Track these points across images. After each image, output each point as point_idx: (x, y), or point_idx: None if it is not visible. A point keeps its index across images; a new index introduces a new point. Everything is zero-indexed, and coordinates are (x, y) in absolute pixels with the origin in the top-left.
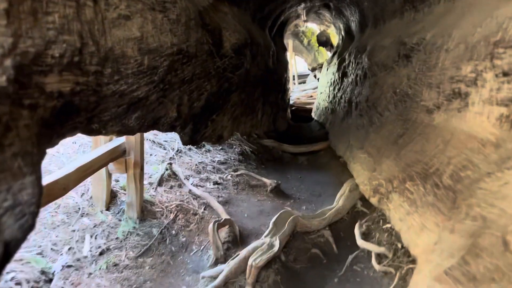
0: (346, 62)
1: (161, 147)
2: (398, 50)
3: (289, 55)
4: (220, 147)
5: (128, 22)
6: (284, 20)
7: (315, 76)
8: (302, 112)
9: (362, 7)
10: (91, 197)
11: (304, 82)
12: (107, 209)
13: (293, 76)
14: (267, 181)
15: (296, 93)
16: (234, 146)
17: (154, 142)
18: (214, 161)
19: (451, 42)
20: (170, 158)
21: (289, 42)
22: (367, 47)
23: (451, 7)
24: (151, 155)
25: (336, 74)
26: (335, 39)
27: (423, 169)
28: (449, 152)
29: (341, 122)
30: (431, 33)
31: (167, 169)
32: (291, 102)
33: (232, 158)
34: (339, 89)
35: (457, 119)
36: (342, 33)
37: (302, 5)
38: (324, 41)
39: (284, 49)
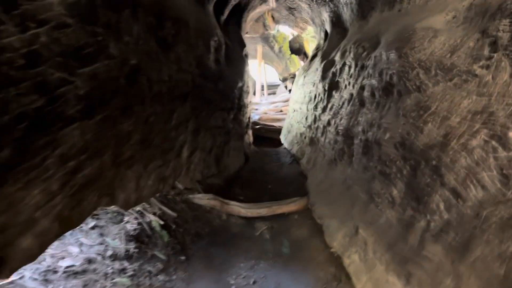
0: (338, 67)
1: None
2: (488, 31)
3: (258, 62)
4: (93, 223)
5: None
6: (242, 2)
7: (286, 87)
8: (270, 133)
9: None
10: None
11: (274, 93)
12: None
13: (262, 86)
14: None
15: (264, 106)
16: (127, 217)
17: None
18: (56, 271)
19: None
20: None
21: (258, 48)
22: (382, 37)
23: None
24: None
25: (320, 86)
26: (310, 45)
27: None
28: None
29: (329, 167)
30: None
31: None
32: (256, 117)
33: (110, 252)
34: (323, 109)
35: None
36: (327, 26)
37: None
38: (297, 49)
39: (241, 44)
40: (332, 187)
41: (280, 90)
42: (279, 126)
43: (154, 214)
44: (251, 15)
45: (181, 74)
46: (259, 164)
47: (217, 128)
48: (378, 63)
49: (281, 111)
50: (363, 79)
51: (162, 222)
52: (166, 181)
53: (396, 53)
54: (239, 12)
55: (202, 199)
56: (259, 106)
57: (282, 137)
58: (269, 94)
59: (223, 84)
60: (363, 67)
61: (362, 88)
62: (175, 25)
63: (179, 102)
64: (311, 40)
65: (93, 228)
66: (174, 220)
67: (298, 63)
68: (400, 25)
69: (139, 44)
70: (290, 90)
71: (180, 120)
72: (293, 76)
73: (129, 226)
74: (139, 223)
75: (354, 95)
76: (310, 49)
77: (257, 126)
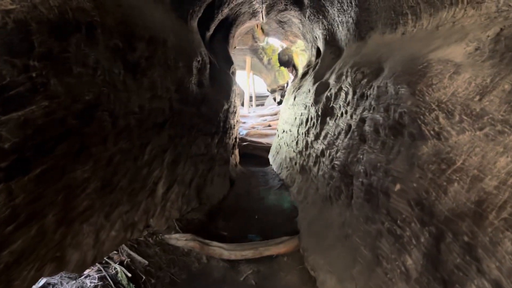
0: (332, 91)
1: None
2: None
3: (247, 73)
4: (43, 281)
5: None
6: (230, 17)
7: (274, 99)
8: (257, 150)
9: None
10: None
11: (262, 105)
12: None
13: (250, 97)
14: None
15: (252, 119)
16: (87, 270)
17: None
18: None
19: None
20: None
21: (247, 59)
22: (386, 64)
23: None
24: None
25: (312, 110)
26: (299, 58)
27: None
28: None
29: (323, 205)
30: None
31: None
32: (243, 132)
33: None
34: (316, 136)
35: None
36: (319, 44)
37: None
38: (286, 61)
39: (228, 61)
40: (327, 230)
41: (269, 102)
42: (267, 143)
43: (121, 263)
44: (240, 30)
45: (156, 102)
46: (246, 188)
47: (199, 156)
48: (382, 95)
49: (269, 125)
50: (363, 111)
51: (129, 274)
52: (135, 227)
53: (408, 89)
54: (227, 27)
55: (180, 239)
56: (247, 119)
57: (270, 157)
58: (257, 105)
59: (206, 108)
60: (363, 96)
61: (362, 120)
62: (149, 46)
63: (154, 132)
64: (300, 53)
65: (44, 287)
66: (145, 268)
67: (287, 75)
68: (406, 52)
69: (97, 75)
70: (278, 102)
71: (154, 153)
72: (282, 88)
73: (88, 282)
74: (101, 277)
75: (353, 127)
76: (299, 62)
77: (244, 143)
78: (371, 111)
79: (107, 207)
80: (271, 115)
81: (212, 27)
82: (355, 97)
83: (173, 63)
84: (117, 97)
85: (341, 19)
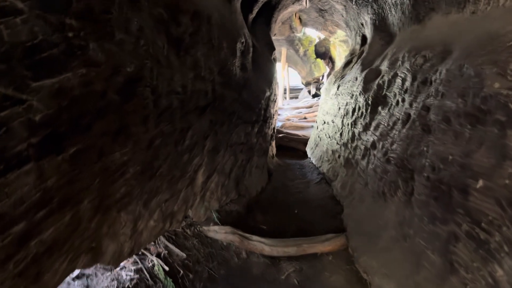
0: (385, 78)
1: None
2: None
3: (282, 65)
4: (78, 270)
5: None
6: (274, 0)
7: (309, 92)
8: (293, 142)
9: None
10: None
11: (296, 98)
12: None
13: (284, 90)
14: None
15: (287, 111)
16: (124, 262)
17: None
18: None
19: None
20: None
21: (282, 50)
22: (455, 46)
23: None
24: None
25: (360, 99)
26: (337, 50)
27: None
28: None
29: (374, 201)
30: None
31: None
32: (278, 124)
33: None
34: (365, 127)
35: None
36: (366, 30)
37: None
38: (322, 53)
39: (270, 47)
40: (380, 230)
41: (302, 95)
42: (303, 135)
43: (158, 255)
44: (282, 15)
45: (199, 83)
46: (283, 181)
47: (239, 145)
48: (454, 79)
49: (305, 118)
50: (426, 98)
51: (167, 268)
52: (174, 217)
53: (495, 69)
54: (269, 11)
55: (219, 232)
56: (282, 112)
57: (308, 150)
58: (291, 98)
59: (248, 94)
60: (425, 82)
61: (425, 108)
62: (194, 21)
63: (195, 117)
64: (339, 44)
65: (77, 277)
66: (183, 261)
67: (323, 67)
68: (482, 31)
69: (140, 45)
70: (313, 96)
71: (195, 139)
72: (317, 81)
73: (124, 274)
74: (137, 270)
75: (413, 116)
76: (336, 53)
77: (280, 135)
78: (438, 98)
79: (146, 194)
80: (306, 107)
81: (255, 10)
82: (415, 83)
83: (217, 42)
84: (160, 73)
85: (395, 1)
